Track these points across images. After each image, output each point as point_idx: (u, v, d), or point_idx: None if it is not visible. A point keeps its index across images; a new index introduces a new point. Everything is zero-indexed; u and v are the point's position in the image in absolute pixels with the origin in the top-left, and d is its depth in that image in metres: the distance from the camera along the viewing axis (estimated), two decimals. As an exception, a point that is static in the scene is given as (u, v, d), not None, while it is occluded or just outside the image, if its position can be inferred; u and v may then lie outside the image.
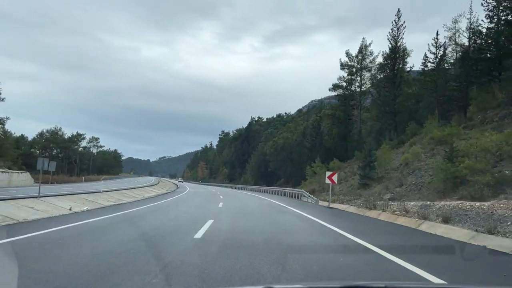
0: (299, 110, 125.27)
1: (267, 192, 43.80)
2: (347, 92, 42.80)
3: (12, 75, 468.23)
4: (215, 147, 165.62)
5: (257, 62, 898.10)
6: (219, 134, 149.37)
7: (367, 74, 41.89)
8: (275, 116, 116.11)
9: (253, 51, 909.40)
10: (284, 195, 35.13)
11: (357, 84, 42.64)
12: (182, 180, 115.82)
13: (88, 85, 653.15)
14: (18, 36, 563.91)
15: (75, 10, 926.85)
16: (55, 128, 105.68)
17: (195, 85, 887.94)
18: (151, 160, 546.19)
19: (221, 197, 31.14)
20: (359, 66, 41.80)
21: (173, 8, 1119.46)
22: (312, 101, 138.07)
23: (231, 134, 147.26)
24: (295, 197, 30.50)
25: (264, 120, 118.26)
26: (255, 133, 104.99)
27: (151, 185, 43.53)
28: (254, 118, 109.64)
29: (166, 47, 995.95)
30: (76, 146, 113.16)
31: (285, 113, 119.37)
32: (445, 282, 4.86)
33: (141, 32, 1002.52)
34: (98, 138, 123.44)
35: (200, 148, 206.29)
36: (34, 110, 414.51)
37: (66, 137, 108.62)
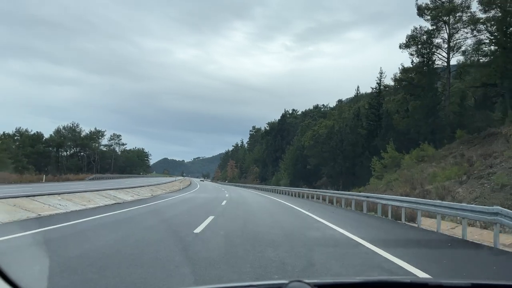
0: (339, 101, 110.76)
1: (309, 198, 29.55)
2: (426, 50, 29.06)
3: (56, 81, 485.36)
4: (246, 145, 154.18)
5: (290, 61, 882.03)
6: (250, 130, 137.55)
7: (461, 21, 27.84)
8: (311, 107, 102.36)
9: (286, 50, 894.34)
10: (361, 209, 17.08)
11: (444, 34, 28.87)
12: (203, 180, 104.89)
13: (125, 88, 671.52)
14: (63, 43, 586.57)
15: (113, 14, 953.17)
16: (72, 124, 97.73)
17: (229, 86, 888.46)
18: (185, 161, 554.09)
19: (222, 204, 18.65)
20: (449, 5, 27.76)
21: (207, 9, 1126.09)
22: (347, 99, 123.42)
23: (263, 130, 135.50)
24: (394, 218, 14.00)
25: (299, 112, 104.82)
26: (289, 126, 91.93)
27: (151, 185, 32.53)
28: (287, 110, 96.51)
29: (199, 49, 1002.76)
30: (95, 144, 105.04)
31: (323, 104, 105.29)
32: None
33: (175, 35, 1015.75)
34: (120, 136, 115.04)
35: (232, 147, 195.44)
36: (75, 114, 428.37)
37: (83, 134, 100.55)
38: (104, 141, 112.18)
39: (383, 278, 1.75)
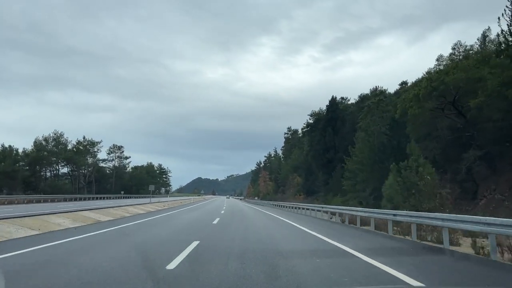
0: (403, 84, 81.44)
1: None
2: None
3: (92, 108, 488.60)
4: (280, 153, 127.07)
5: (318, 72, 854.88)
6: (285, 133, 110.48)
7: None
8: (367, 93, 73.56)
9: (314, 62, 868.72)
10: None
11: None
12: (228, 197, 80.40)
13: (158, 111, 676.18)
14: (96, 71, 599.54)
15: (142, 39, 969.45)
16: (55, 133, 74.98)
17: (259, 102, 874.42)
18: (219, 179, 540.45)
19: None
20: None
21: (233, 27, 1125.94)
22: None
23: (300, 132, 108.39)
24: None
25: (350, 101, 76.43)
26: (344, 114, 64.47)
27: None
28: (336, 97, 67.98)
29: (228, 66, 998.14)
30: (89, 158, 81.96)
31: (381, 89, 75.94)
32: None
33: (204, 54, 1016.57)
34: (122, 147, 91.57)
35: (264, 158, 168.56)
36: (111, 139, 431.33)
37: (70, 146, 77.66)
38: (102, 154, 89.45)
39: None
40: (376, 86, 73.82)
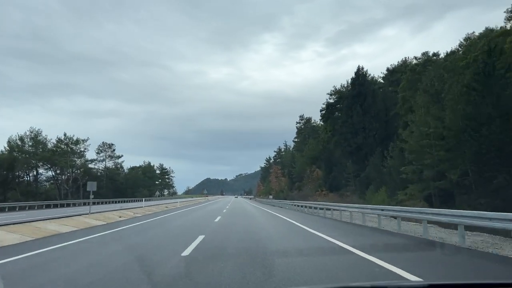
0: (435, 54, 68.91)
1: None
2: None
3: (97, 114, 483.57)
4: (292, 146, 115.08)
5: (323, 67, 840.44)
6: (297, 122, 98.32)
7: None
8: (397, 64, 61.01)
9: (318, 57, 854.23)
10: None
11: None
12: (237, 196, 70.35)
13: (163, 113, 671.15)
14: (99, 76, 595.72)
15: (143, 41, 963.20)
16: (31, 131, 63.98)
17: (263, 100, 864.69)
18: (228, 179, 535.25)
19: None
20: None
21: (234, 25, 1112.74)
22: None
23: (314, 121, 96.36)
24: None
25: (374, 75, 64.08)
26: (374, 89, 52.43)
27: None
28: (362, 67, 55.23)
29: (231, 66, 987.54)
30: (76, 159, 70.98)
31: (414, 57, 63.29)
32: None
33: (206, 55, 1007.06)
34: (113, 145, 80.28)
35: (273, 153, 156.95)
36: (118, 143, 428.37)
37: (50, 146, 66.63)
38: (91, 153, 78.44)
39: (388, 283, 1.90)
40: (405, 58, 61.40)
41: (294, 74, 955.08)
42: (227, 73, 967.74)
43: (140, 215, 21.66)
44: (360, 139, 48.70)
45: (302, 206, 30.00)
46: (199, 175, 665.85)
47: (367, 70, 51.53)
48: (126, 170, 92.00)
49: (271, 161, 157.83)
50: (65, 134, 67.92)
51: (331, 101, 56.84)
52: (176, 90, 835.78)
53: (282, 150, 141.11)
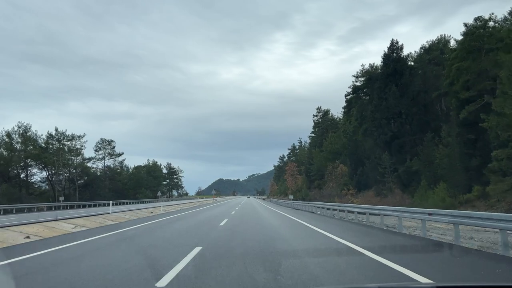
0: None
1: None
2: None
3: (112, 116, 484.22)
4: (307, 142, 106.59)
5: (336, 65, 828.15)
6: (314, 115, 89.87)
7: None
8: (434, 40, 51.68)
9: (331, 55, 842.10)
10: None
11: None
12: (249, 197, 62.23)
13: (176, 114, 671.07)
14: (113, 79, 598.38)
15: (156, 44, 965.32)
16: (19, 126, 57.25)
17: (276, 99, 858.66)
18: (240, 180, 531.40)
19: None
20: None
21: (245, 24, 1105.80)
22: None
23: (332, 113, 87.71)
24: None
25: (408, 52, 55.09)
26: (411, 67, 43.91)
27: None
28: (397, 41, 45.63)
29: (243, 66, 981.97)
30: (71, 157, 64.18)
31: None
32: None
33: (218, 55, 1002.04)
34: (112, 142, 73.20)
35: (288, 151, 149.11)
36: (132, 145, 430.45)
37: (41, 141, 59.82)
38: (89, 152, 71.84)
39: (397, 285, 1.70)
40: (440, 35, 52.33)
41: (306, 73, 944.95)
42: (239, 73, 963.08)
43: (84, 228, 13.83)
44: (397, 125, 40.32)
45: (329, 209, 21.85)
46: (211, 176, 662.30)
47: (402, 44, 42.95)
48: (130, 170, 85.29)
49: (284, 159, 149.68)
50: (56, 129, 61.03)
51: (358, 83, 48.31)
52: (189, 91, 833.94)
53: (297, 147, 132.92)
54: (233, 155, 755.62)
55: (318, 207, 26.68)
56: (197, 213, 25.97)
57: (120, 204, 52.06)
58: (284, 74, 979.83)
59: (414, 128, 41.18)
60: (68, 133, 62.34)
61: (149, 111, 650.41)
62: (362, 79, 47.57)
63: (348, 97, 50.05)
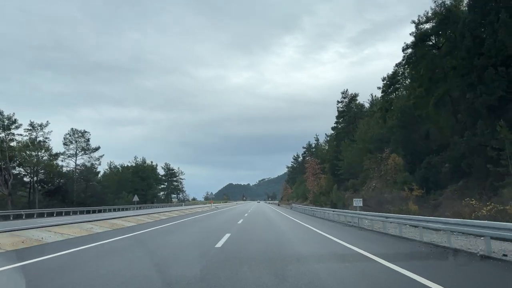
0: None
1: None
2: None
3: (122, 122, 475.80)
4: (329, 134, 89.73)
5: (346, 68, 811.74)
6: (338, 102, 73.08)
7: None
8: None
9: (340, 58, 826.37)
10: None
11: None
12: (259, 202, 45.50)
13: (186, 119, 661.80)
14: (124, 85, 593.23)
15: (165, 49, 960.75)
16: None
17: (286, 103, 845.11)
18: (251, 184, 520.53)
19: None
20: None
21: (254, 28, 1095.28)
22: None
23: (359, 101, 71.16)
24: None
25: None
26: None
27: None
28: None
29: (252, 70, 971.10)
30: (38, 153, 49.02)
31: None
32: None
33: (227, 59, 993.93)
34: (86, 133, 57.78)
35: (302, 150, 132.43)
36: (142, 150, 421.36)
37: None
38: (56, 145, 56.75)
39: None
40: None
41: (316, 76, 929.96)
42: (248, 77, 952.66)
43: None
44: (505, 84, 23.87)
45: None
46: (221, 181, 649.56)
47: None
48: (107, 170, 69.28)
49: (299, 159, 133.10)
50: (0, 113, 45.41)
51: (427, 26, 31.61)
52: (199, 96, 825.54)
53: (313, 145, 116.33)
54: (242, 159, 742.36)
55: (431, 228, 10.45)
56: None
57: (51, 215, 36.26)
58: (294, 78, 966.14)
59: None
60: (12, 115, 46.08)
61: (159, 117, 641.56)
62: (433, 21, 31.04)
63: (408, 51, 33.46)
